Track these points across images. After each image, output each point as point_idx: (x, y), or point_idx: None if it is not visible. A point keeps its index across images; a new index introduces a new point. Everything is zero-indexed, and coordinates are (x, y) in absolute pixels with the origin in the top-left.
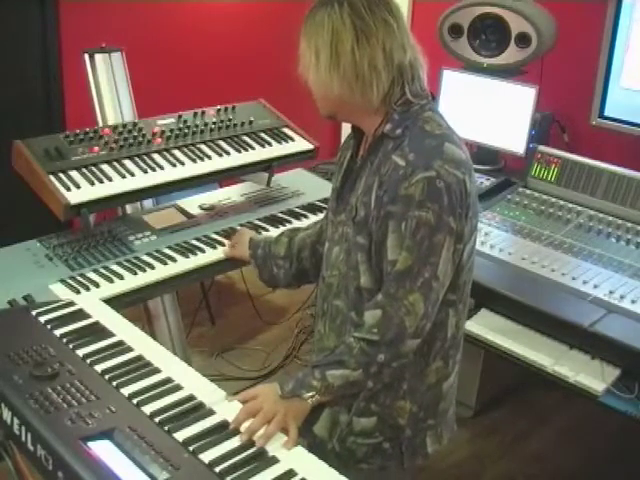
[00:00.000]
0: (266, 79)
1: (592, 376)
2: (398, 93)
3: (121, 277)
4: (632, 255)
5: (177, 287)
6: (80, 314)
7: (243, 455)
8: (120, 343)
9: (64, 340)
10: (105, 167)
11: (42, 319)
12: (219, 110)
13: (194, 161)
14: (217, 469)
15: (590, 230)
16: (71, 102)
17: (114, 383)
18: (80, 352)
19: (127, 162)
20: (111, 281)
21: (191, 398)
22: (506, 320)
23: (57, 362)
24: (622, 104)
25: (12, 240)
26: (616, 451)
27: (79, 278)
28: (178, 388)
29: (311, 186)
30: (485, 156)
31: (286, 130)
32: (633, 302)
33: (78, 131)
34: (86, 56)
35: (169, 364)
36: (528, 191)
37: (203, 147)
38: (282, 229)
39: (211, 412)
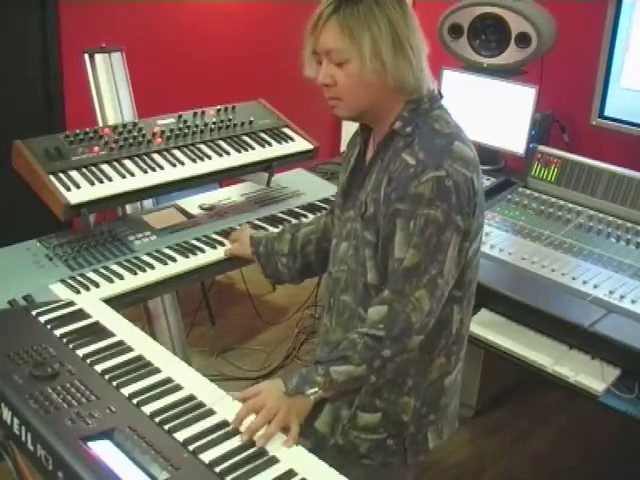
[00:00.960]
0: (266, 79)
1: (592, 376)
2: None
3: (121, 277)
4: (632, 255)
5: (177, 287)
6: (80, 314)
7: (243, 455)
8: (120, 343)
9: (64, 340)
10: (105, 167)
11: (42, 319)
12: (219, 110)
13: (194, 161)
14: (217, 469)
15: (590, 230)
16: (71, 102)
17: (114, 383)
18: (80, 352)
19: (127, 162)
20: (111, 281)
21: (191, 398)
22: (506, 320)
23: (57, 362)
24: (622, 104)
25: (12, 240)
26: (616, 451)
27: (79, 278)
28: (178, 388)
29: (311, 186)
30: (485, 156)
31: (286, 130)
32: (633, 302)
33: (78, 131)
34: (86, 56)
35: (169, 364)
36: (528, 191)
37: (203, 147)
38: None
39: (211, 412)
